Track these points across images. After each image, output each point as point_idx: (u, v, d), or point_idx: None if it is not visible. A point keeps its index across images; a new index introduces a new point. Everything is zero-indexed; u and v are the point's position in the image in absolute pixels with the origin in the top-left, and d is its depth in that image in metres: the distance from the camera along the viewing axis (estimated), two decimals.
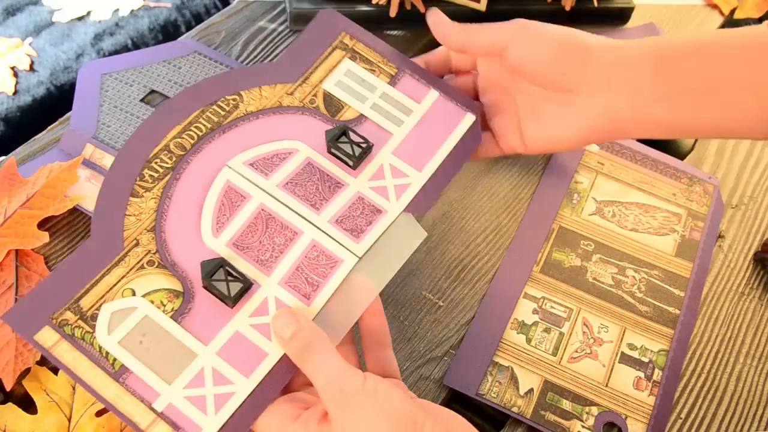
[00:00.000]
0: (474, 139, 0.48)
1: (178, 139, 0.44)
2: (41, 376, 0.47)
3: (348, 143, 0.45)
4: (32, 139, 0.61)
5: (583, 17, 0.79)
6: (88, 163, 0.57)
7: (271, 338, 0.40)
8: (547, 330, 0.53)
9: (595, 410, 0.50)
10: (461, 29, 0.46)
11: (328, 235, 0.43)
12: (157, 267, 0.41)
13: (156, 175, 0.43)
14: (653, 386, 0.52)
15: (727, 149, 0.69)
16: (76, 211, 0.55)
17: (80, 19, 1.02)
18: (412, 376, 0.50)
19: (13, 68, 0.93)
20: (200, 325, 0.40)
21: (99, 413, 0.46)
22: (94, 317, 0.39)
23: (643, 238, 0.60)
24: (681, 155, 0.68)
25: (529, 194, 0.62)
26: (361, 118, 0.47)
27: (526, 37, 0.43)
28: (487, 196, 0.62)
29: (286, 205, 0.44)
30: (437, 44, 0.71)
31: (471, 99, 0.49)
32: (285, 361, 0.39)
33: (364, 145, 0.45)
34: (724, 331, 0.56)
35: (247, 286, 0.40)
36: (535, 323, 0.54)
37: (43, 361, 0.48)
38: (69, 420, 0.45)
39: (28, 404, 0.46)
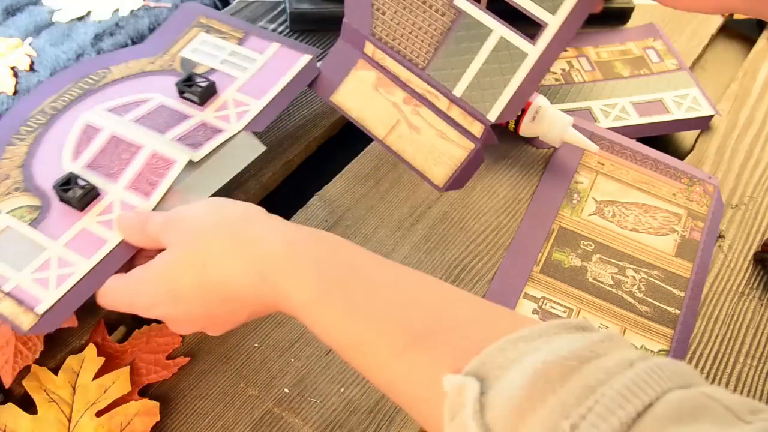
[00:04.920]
0: (310, 72, 0.56)
1: (53, 103, 0.57)
2: (41, 376, 0.47)
3: (193, 85, 0.56)
4: None
5: None
6: None
7: (113, 228, 0.48)
8: None
9: None
10: None
11: (166, 146, 0.52)
12: (22, 191, 0.52)
13: (30, 129, 0.56)
14: None
15: (727, 149, 0.69)
16: None
17: (80, 19, 1.02)
18: None
19: (13, 68, 0.92)
20: (53, 227, 0.49)
21: (99, 413, 0.46)
22: None
23: (643, 238, 0.60)
24: (681, 155, 0.68)
25: (529, 194, 0.62)
26: (212, 71, 0.59)
27: None
28: (486, 196, 0.62)
29: (135, 131, 0.53)
30: None
31: (308, 46, 0.59)
32: (123, 245, 0.48)
33: (205, 84, 0.55)
34: (724, 331, 0.56)
35: (89, 190, 0.50)
36: None
37: (43, 361, 0.48)
38: (69, 420, 0.45)
39: (28, 404, 0.46)
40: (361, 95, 0.53)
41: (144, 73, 0.59)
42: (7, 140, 0.55)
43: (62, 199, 0.51)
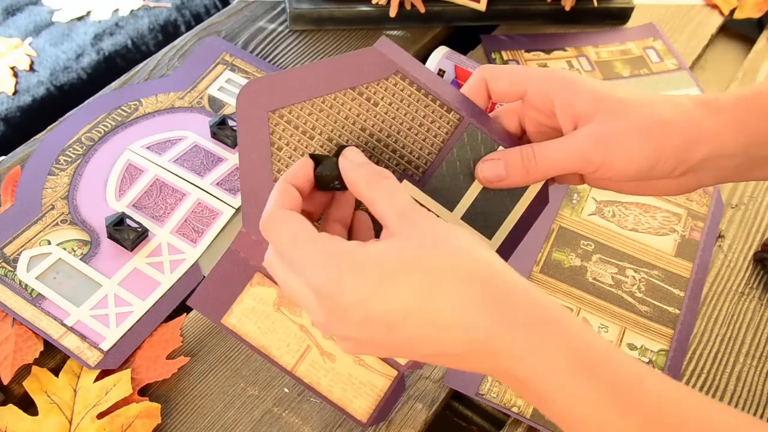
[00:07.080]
0: None
1: (89, 134, 0.59)
2: (42, 377, 0.47)
3: (227, 128, 0.60)
4: (32, 139, 0.61)
5: (583, 17, 0.79)
6: None
7: (164, 271, 0.52)
8: None
9: None
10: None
11: (210, 194, 0.56)
12: (70, 224, 0.54)
13: (69, 159, 0.58)
14: None
15: None
16: None
17: (80, 19, 1.02)
18: (412, 375, 0.50)
19: (13, 68, 0.92)
20: (105, 264, 0.52)
21: (101, 415, 0.46)
22: (15, 260, 0.51)
23: (643, 238, 0.60)
24: None
25: None
26: None
27: (620, 155, 0.37)
28: None
29: (176, 174, 0.57)
30: (437, 45, 0.71)
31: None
32: (176, 287, 0.51)
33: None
34: (724, 331, 0.56)
35: (141, 232, 0.53)
36: None
37: (43, 362, 0.48)
38: (70, 422, 0.45)
39: (28, 405, 0.46)
40: (261, 317, 0.42)
41: (174, 108, 0.62)
42: (48, 169, 0.57)
43: (112, 238, 0.53)
